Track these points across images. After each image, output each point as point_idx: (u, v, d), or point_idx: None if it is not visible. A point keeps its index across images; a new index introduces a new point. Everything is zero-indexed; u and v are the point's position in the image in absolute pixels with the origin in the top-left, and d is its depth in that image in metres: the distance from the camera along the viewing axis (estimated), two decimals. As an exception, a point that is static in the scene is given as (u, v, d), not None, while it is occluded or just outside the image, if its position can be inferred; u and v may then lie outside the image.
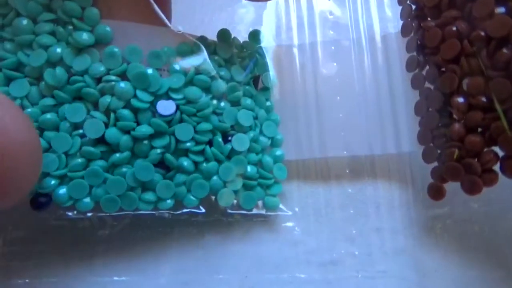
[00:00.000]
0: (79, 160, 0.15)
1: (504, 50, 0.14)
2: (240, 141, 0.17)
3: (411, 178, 0.19)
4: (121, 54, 0.15)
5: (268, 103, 0.19)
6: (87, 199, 0.15)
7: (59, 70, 0.15)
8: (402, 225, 0.18)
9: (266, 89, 0.19)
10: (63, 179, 0.15)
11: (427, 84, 0.17)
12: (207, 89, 0.17)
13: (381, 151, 0.19)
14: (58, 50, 0.15)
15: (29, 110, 0.15)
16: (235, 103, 0.18)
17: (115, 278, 0.17)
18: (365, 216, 0.19)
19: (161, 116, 0.15)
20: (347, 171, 0.19)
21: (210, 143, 0.17)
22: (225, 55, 0.18)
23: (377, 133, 0.19)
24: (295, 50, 0.20)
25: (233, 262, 0.18)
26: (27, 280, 0.17)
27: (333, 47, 0.20)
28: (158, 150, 0.15)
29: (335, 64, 0.20)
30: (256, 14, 0.21)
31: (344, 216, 0.19)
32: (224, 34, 0.18)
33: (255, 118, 0.18)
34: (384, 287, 0.17)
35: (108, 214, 0.15)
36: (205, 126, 0.16)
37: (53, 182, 0.15)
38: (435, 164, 0.17)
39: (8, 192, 0.11)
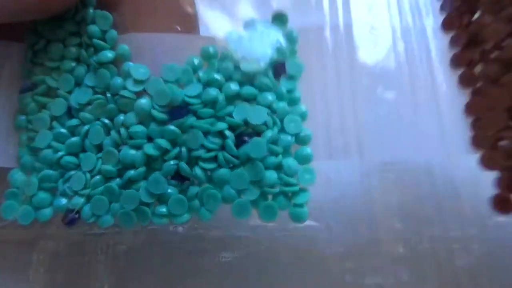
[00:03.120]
0: (98, 177, 0.16)
1: None
2: (255, 146, 0.16)
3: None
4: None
5: (294, 94, 0.17)
6: (108, 215, 0.16)
7: (84, 90, 0.16)
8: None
9: (291, 77, 0.18)
10: (88, 198, 0.16)
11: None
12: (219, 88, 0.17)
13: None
14: (82, 72, 0.17)
15: (62, 130, 0.16)
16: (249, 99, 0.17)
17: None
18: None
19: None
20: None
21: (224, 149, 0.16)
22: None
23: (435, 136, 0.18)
24: (327, 33, 0.19)
25: (252, 284, 0.17)
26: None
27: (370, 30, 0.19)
28: (172, 162, 0.16)
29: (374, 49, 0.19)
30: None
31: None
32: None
33: (274, 113, 0.17)
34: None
35: (126, 229, 0.16)
36: (221, 125, 0.16)
37: (82, 200, 0.16)
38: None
39: None
